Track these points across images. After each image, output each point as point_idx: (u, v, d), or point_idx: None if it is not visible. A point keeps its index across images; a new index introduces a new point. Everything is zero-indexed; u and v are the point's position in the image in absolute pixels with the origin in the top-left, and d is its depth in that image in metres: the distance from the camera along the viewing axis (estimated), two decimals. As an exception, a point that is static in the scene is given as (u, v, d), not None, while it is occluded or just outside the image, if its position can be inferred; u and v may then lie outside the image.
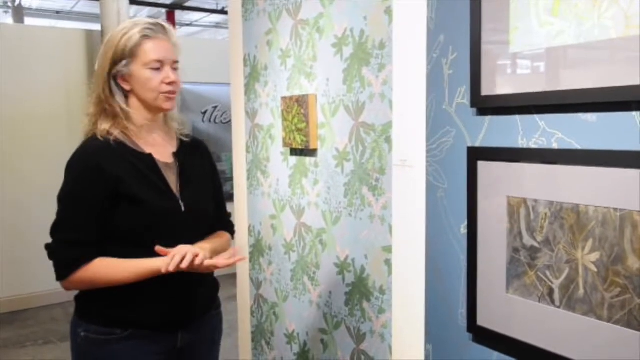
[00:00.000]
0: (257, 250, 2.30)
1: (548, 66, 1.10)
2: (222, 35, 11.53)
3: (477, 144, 1.25)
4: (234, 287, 2.67)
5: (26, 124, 4.63)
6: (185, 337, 1.52)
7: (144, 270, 1.39)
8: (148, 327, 1.45)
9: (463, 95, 1.28)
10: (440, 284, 1.37)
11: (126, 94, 1.46)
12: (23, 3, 8.22)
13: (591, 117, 1.02)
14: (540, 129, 1.11)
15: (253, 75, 2.22)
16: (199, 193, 1.56)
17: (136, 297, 1.43)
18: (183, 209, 1.47)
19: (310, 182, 1.93)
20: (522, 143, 1.15)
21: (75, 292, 1.50)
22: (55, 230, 1.42)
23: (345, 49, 1.71)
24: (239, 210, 2.40)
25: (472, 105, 1.24)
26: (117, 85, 1.45)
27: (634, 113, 0.96)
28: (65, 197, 1.41)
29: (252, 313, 2.39)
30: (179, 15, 9.86)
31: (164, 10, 9.30)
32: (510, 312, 1.19)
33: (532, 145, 1.13)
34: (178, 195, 1.48)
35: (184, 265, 1.32)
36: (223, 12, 9.36)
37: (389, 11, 1.52)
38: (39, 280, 4.45)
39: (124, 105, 1.45)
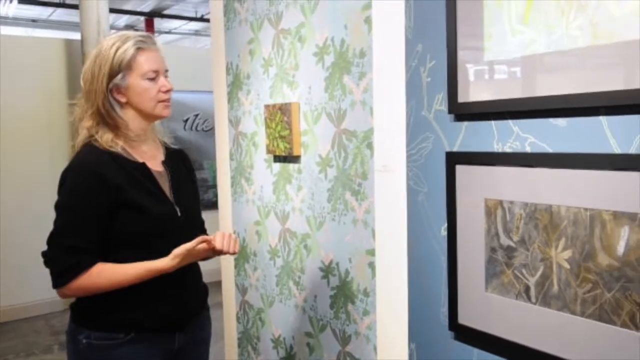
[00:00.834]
0: (242, 256, 2.33)
1: (521, 74, 1.15)
2: (201, 42, 11.52)
3: (455, 149, 1.30)
4: (219, 294, 2.68)
5: (6, 134, 4.59)
6: (182, 339, 1.57)
7: (144, 272, 1.43)
8: (150, 329, 1.49)
9: (441, 102, 1.33)
10: (423, 284, 1.42)
11: (122, 106, 1.50)
12: (-1, 12, 8.13)
13: (562, 122, 1.08)
14: (514, 134, 1.16)
15: (236, 83, 2.25)
16: (189, 199, 1.62)
17: (138, 300, 1.47)
18: (179, 213, 1.53)
19: (294, 188, 1.96)
20: (497, 147, 1.20)
21: (60, 303, 1.51)
22: (53, 238, 1.43)
23: (326, 58, 1.75)
24: (224, 217, 2.42)
25: (450, 111, 1.29)
26: (114, 98, 1.49)
27: (601, 118, 1.01)
28: (64, 205, 1.43)
29: (237, 319, 2.41)
30: (158, 22, 9.83)
31: (142, 18, 9.28)
32: (489, 309, 1.23)
33: (507, 149, 1.18)
34: (172, 201, 1.54)
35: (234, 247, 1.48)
36: (202, 19, 9.37)
37: (368, 20, 1.57)
38: (21, 292, 4.40)
39: (123, 116, 1.50)
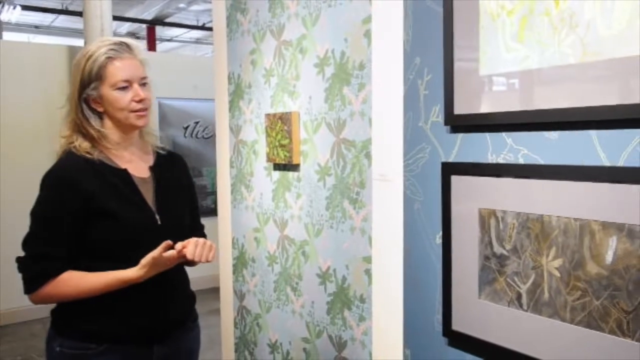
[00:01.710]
0: (241, 262, 2.36)
1: (514, 88, 1.19)
2: (202, 51, 11.60)
3: (451, 160, 1.34)
4: (216, 300, 2.71)
5: (7, 140, 4.62)
6: (161, 351, 1.53)
7: (112, 281, 1.40)
8: (124, 341, 1.46)
9: (437, 114, 1.37)
10: (418, 291, 1.45)
11: (100, 116, 1.48)
12: (2, 18, 8.19)
13: (553, 134, 1.12)
14: (508, 146, 1.20)
15: (237, 92, 2.29)
16: (175, 206, 1.57)
17: (112, 311, 1.44)
18: (159, 222, 1.50)
19: (293, 196, 2.00)
20: (491, 158, 1.24)
21: (51, 306, 1.50)
22: (25, 244, 1.43)
23: (326, 69, 1.79)
24: (223, 223, 2.45)
25: (446, 123, 1.33)
26: (90, 108, 1.47)
27: (590, 132, 1.05)
28: (36, 212, 1.43)
29: (235, 324, 2.44)
30: (160, 30, 9.91)
31: (144, 26, 9.36)
32: (482, 316, 1.27)
33: (501, 161, 1.22)
34: (154, 208, 1.50)
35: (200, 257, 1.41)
36: (203, 28, 9.46)
37: (368, 34, 1.62)
38: (18, 296, 4.40)
39: (99, 128, 1.47)
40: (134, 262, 1.41)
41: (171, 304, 1.54)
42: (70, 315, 1.46)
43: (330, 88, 1.79)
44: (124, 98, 1.45)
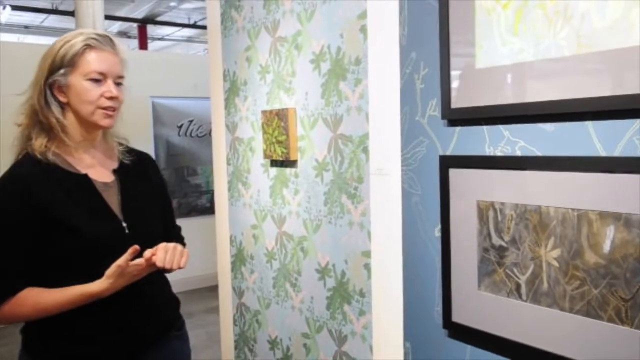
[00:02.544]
0: (239, 259, 2.36)
1: (510, 81, 1.20)
2: (194, 49, 11.56)
3: (448, 153, 1.35)
4: (214, 298, 2.72)
5: (7, 140, 4.60)
6: None
7: (75, 297, 1.27)
8: (95, 359, 1.33)
9: (434, 108, 1.38)
10: (417, 284, 1.46)
11: (62, 106, 1.34)
12: (-8, 18, 8.14)
13: (549, 126, 1.13)
14: (505, 138, 1.22)
15: (233, 90, 2.29)
16: (144, 211, 1.44)
17: (81, 329, 1.32)
18: (127, 230, 1.36)
19: (291, 192, 2.01)
20: (489, 151, 1.25)
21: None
22: None
23: (322, 65, 1.80)
24: (221, 221, 2.46)
25: (443, 117, 1.34)
26: (53, 96, 1.33)
27: (586, 122, 1.07)
28: None
29: (234, 321, 2.44)
30: (151, 29, 9.87)
31: (135, 25, 9.32)
32: (482, 307, 1.28)
33: (498, 153, 1.23)
34: (120, 216, 1.37)
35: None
36: (195, 26, 9.42)
37: (363, 29, 1.62)
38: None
39: (60, 117, 1.33)
40: (101, 277, 1.28)
41: (147, 315, 1.40)
42: (38, 334, 1.34)
43: (326, 84, 1.79)
44: (93, 91, 1.32)
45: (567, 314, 1.11)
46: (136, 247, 1.26)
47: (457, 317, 1.34)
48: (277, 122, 1.98)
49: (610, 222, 1.03)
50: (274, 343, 2.17)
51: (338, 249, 1.81)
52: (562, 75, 1.10)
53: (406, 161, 1.47)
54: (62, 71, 1.31)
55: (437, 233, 1.39)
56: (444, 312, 1.37)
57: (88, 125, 1.36)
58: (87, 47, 1.32)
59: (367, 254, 1.68)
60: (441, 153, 1.37)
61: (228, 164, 2.39)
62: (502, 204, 1.22)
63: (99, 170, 1.40)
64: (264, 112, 2.06)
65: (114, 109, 1.35)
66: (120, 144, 1.50)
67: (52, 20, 8.97)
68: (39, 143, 1.32)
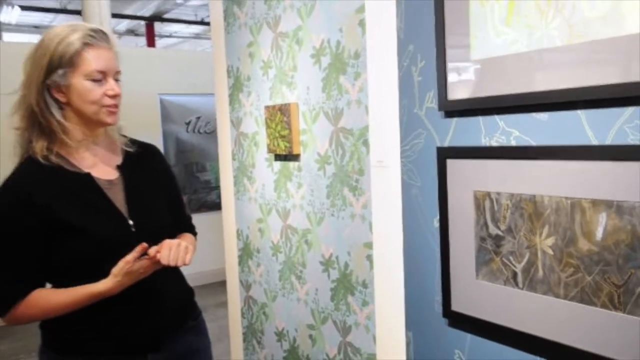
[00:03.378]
0: (246, 253, 2.40)
1: (505, 71, 1.21)
2: (201, 46, 11.61)
3: (446, 144, 1.37)
4: (224, 293, 2.75)
5: (7, 141, 4.66)
6: (157, 359, 1.41)
7: (82, 297, 1.29)
8: (111, 354, 1.35)
9: (432, 100, 1.39)
10: (417, 274, 1.49)
11: (62, 107, 1.31)
12: (2, 19, 8.23)
13: (543, 116, 1.14)
14: (500, 128, 1.23)
15: (236, 85, 2.32)
16: (150, 207, 1.43)
17: (95, 323, 1.34)
18: (133, 228, 1.35)
19: (295, 186, 2.03)
20: (485, 142, 1.27)
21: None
22: None
23: (323, 59, 1.82)
24: (227, 215, 2.49)
25: (440, 108, 1.36)
26: (52, 97, 1.30)
27: (579, 112, 1.08)
28: None
29: (242, 314, 2.48)
30: (159, 26, 9.93)
31: (143, 23, 9.38)
32: (480, 296, 1.30)
33: (494, 143, 1.25)
34: (126, 214, 1.36)
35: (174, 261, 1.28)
36: (202, 23, 9.46)
37: (362, 23, 1.64)
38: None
39: (61, 119, 1.30)
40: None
41: (160, 307, 1.41)
42: (55, 329, 1.37)
43: (327, 78, 1.81)
44: (96, 90, 1.30)
45: (562, 300, 1.13)
46: (144, 244, 1.27)
47: (456, 306, 1.36)
48: (280, 116, 2.01)
49: (603, 210, 1.04)
50: (280, 335, 2.21)
51: (341, 241, 1.83)
52: (555, 65, 1.11)
53: (405, 153, 1.49)
54: (60, 72, 1.28)
55: (436, 223, 1.41)
56: (444, 301, 1.39)
57: (91, 123, 1.35)
58: (86, 45, 1.29)
59: (369, 245, 1.70)
60: (439, 144, 1.38)
61: (233, 159, 2.42)
62: (498, 193, 1.23)
63: (103, 167, 1.39)
64: (267, 107, 2.09)
65: (117, 106, 1.35)
66: (124, 136, 1.49)
67: (62, 20, 9.05)
68: (39, 146, 1.30)
